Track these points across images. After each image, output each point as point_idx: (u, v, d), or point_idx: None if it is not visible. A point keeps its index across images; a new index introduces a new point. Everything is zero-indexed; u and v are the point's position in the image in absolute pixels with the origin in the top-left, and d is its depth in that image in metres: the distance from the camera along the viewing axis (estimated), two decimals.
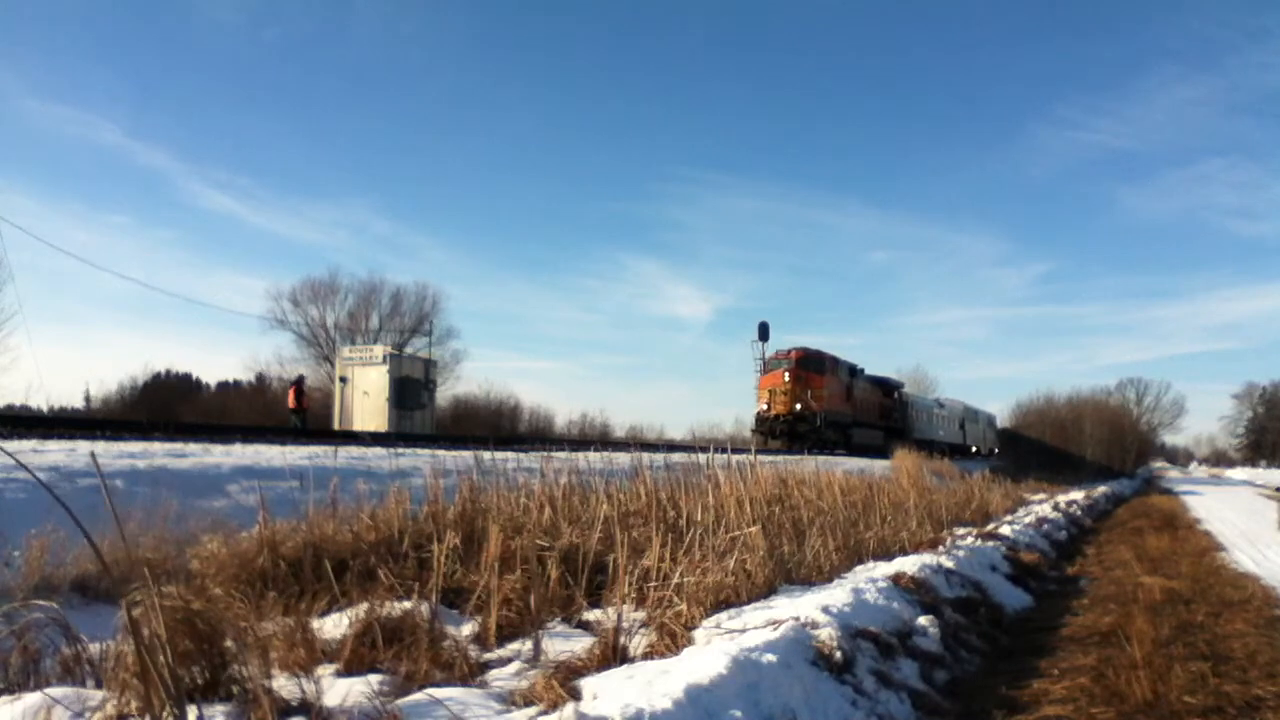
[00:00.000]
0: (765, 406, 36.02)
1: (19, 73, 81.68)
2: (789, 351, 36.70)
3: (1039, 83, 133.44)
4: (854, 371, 40.30)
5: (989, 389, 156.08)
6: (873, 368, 44.73)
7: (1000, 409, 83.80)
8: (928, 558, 8.67)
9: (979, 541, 11.29)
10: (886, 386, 45.28)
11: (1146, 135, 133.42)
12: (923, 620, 6.51)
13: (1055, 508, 20.36)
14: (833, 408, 36.38)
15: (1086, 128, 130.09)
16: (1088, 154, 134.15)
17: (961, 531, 12.52)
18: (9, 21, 78.29)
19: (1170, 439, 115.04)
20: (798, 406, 34.96)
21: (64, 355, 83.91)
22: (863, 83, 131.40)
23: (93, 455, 3.07)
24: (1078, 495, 27.24)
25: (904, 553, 9.56)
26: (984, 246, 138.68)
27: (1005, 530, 13.36)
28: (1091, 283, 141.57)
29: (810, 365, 36.32)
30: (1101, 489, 34.65)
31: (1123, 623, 7.49)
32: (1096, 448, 67.88)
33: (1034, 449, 60.89)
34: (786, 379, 35.56)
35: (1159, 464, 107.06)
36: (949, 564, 8.67)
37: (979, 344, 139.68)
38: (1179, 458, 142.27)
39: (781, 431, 34.85)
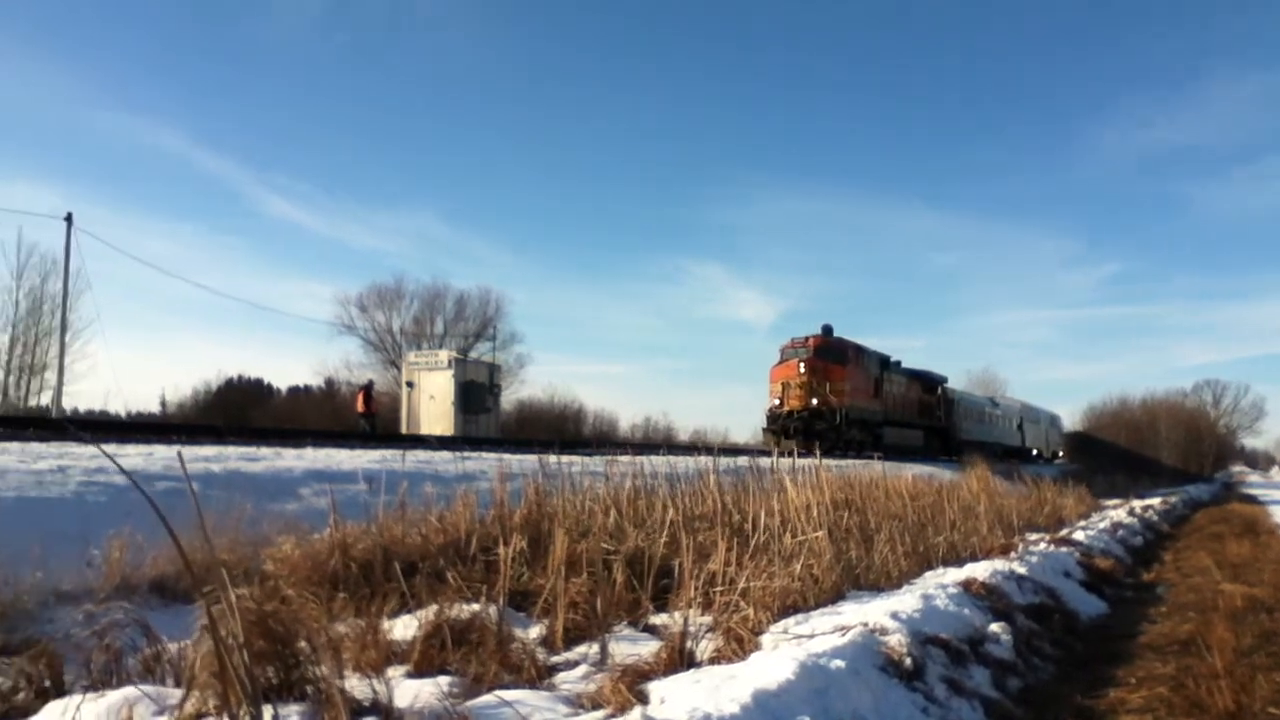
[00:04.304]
0: (778, 402, 31.94)
1: (91, 84, 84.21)
2: (806, 339, 32.59)
3: (1106, 79, 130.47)
4: (885, 363, 35.94)
5: (1060, 391, 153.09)
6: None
7: (1071, 411, 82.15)
8: (999, 563, 8.54)
9: (1052, 547, 11.08)
10: (927, 381, 40.81)
11: (1220, 131, 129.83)
12: (994, 627, 6.40)
13: (1131, 513, 19.92)
14: (857, 403, 32.12)
15: (1157, 125, 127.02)
16: (1159, 151, 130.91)
17: (1034, 537, 12.31)
18: (81, 34, 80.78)
19: (1250, 442, 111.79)
20: (814, 401, 30.82)
21: (140, 361, 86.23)
22: (927, 84, 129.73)
23: (180, 456, 3.16)
24: (1154, 500, 26.60)
25: (974, 558, 9.42)
26: (1052, 247, 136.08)
27: (1079, 536, 13.11)
28: (1165, 283, 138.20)
29: (830, 354, 31.93)
30: (1178, 494, 33.78)
31: (1202, 631, 7.29)
32: (1172, 451, 66.26)
33: (1108, 453, 59.45)
34: (801, 370, 31.34)
35: (1238, 468, 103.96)
36: (1021, 570, 8.52)
37: (1049, 346, 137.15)
38: (1259, 461, 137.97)
39: (796, 430, 30.15)
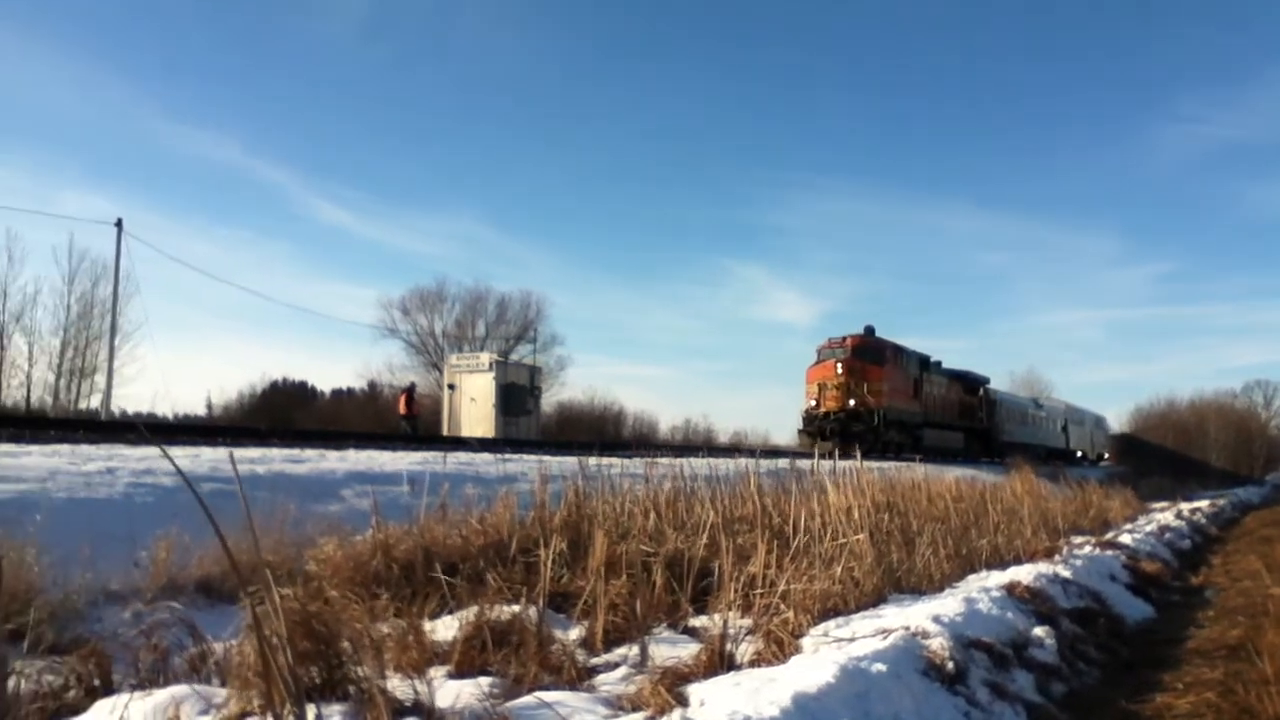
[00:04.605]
0: (814, 403, 31.30)
1: (143, 94, 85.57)
2: (843, 339, 32.09)
3: (1158, 77, 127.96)
4: (925, 364, 35.24)
5: (1106, 393, 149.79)
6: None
7: (1118, 413, 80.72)
8: (1043, 567, 8.45)
9: (1097, 550, 10.96)
10: (968, 382, 40.06)
11: (1272, 127, 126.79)
12: (1038, 631, 6.34)
13: (1178, 515, 19.65)
14: (895, 404, 31.53)
15: (1208, 121, 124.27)
16: (1209, 148, 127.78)
17: (1079, 540, 12.17)
18: (130, 42, 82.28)
19: None
20: (851, 402, 30.20)
21: (186, 364, 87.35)
22: (976, 84, 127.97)
23: (231, 457, 3.22)
24: (1202, 503, 26.21)
25: (1018, 561, 9.33)
26: (1101, 246, 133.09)
27: (1125, 539, 12.96)
28: (1216, 282, 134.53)
29: (867, 354, 31.35)
30: (1227, 496, 33.24)
31: (1252, 635, 7.15)
32: (1221, 453, 65.31)
33: (1154, 454, 58.54)
34: (839, 370, 30.75)
35: None
36: (1066, 573, 8.42)
37: (1096, 347, 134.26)
38: None
39: (832, 431, 29.67)
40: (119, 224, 33.09)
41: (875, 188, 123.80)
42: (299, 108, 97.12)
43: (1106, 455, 61.36)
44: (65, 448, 9.05)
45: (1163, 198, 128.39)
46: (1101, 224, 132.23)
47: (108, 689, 3.87)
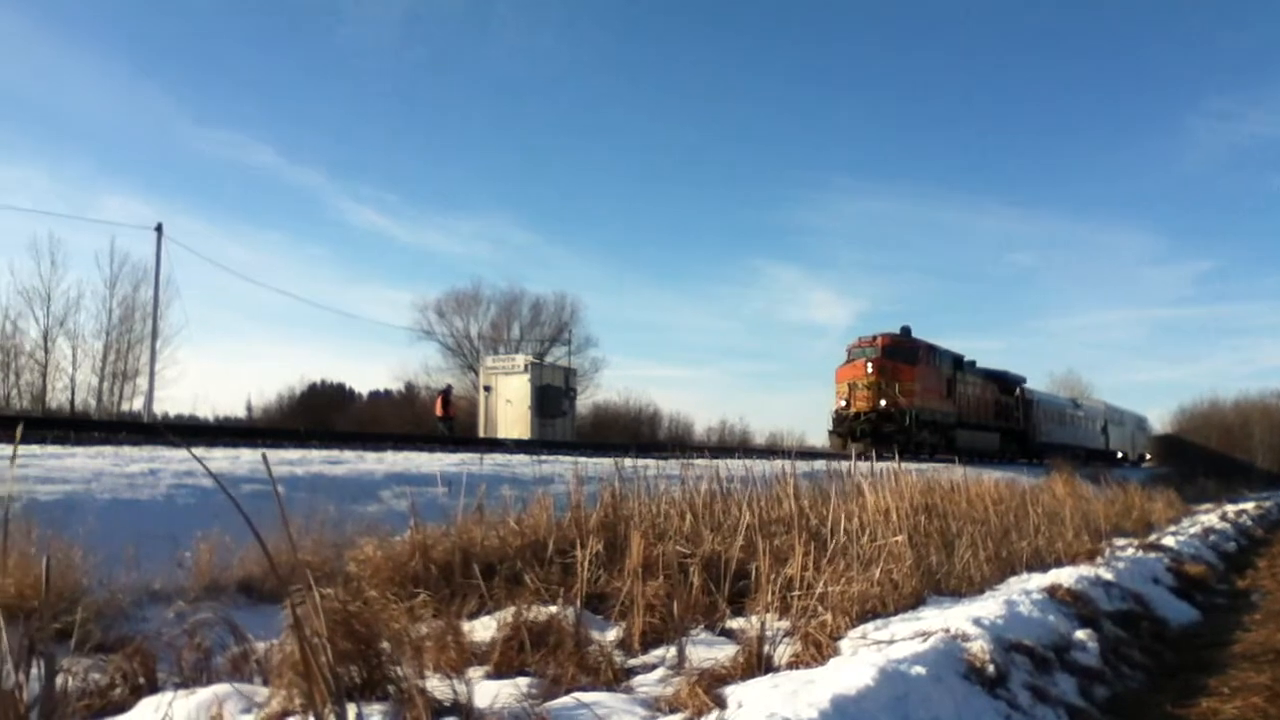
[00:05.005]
0: (844, 403, 30.68)
1: (180, 100, 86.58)
2: (874, 338, 31.51)
3: (1187, 74, 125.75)
4: (959, 363, 34.55)
5: (1149, 393, 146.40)
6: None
7: (1161, 414, 79.50)
8: (1085, 569, 8.35)
9: (1140, 553, 10.81)
10: (1004, 382, 39.11)
11: None
12: (1080, 634, 6.26)
13: (1223, 518, 19.35)
14: (928, 404, 30.95)
15: (1241, 118, 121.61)
16: (1243, 144, 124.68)
17: (1121, 542, 12.01)
18: (168, 50, 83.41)
19: None
20: (882, 403, 29.57)
21: (226, 367, 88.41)
22: (1007, 83, 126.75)
23: (264, 459, 3.25)
24: (1248, 504, 25.80)
25: (1059, 564, 9.23)
26: (1138, 245, 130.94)
27: (1168, 541, 12.77)
28: (1257, 280, 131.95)
29: (899, 354, 30.77)
30: (1274, 498, 32.68)
31: None
32: (1267, 454, 64.25)
33: (1198, 456, 57.65)
34: (869, 370, 30.10)
35: None
36: (1108, 576, 8.32)
37: (1136, 347, 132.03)
38: None
39: (863, 432, 29.23)
40: (159, 229, 33.46)
41: (908, 187, 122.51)
42: (333, 111, 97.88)
43: (1148, 456, 60.54)
44: (109, 449, 9.19)
45: (1199, 194, 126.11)
46: (1137, 222, 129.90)
47: (152, 687, 3.92)
